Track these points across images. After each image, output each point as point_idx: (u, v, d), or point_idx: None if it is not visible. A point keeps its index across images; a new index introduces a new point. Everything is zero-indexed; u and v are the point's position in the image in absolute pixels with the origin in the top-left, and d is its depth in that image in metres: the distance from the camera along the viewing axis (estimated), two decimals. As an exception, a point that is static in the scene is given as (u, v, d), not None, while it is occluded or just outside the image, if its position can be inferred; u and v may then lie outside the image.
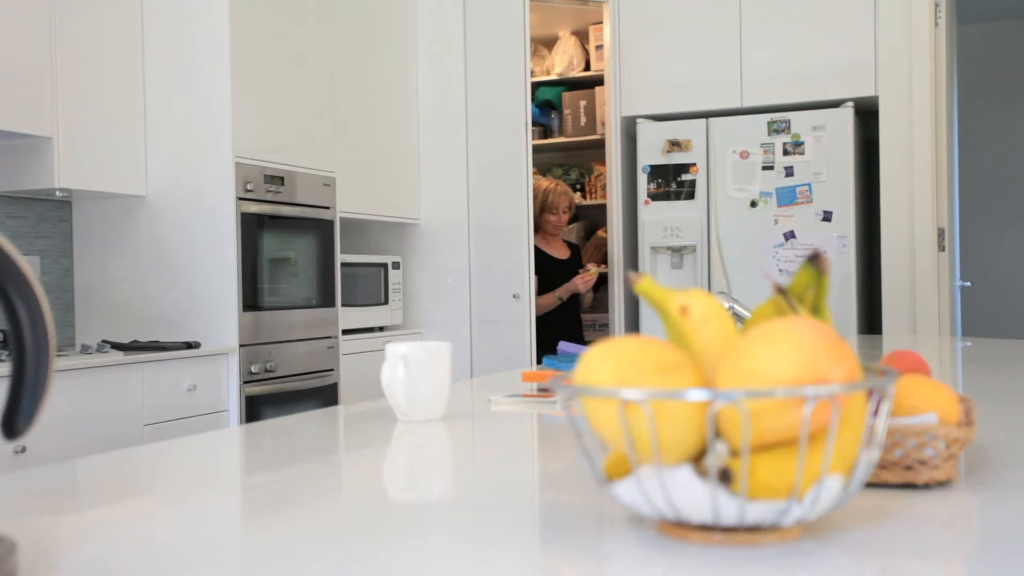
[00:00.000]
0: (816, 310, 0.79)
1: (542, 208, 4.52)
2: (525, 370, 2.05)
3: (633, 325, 4.99)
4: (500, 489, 1.05)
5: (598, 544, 0.77)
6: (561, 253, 4.62)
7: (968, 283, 5.55)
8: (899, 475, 0.87)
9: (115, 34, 3.54)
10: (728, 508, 0.68)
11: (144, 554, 0.77)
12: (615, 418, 0.69)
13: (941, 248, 4.55)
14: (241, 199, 3.58)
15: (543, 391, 1.71)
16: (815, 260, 0.77)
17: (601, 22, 5.29)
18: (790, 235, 4.58)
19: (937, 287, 4.52)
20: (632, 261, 4.98)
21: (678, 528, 0.73)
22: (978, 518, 0.85)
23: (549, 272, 4.50)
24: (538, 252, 4.55)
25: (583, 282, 4.37)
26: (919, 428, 0.86)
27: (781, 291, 0.77)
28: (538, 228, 4.59)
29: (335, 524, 0.87)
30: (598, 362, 0.71)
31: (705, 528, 0.72)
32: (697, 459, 0.72)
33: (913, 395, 0.89)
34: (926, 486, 0.88)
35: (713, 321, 0.76)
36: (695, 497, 0.68)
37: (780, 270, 4.58)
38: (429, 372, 1.40)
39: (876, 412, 0.72)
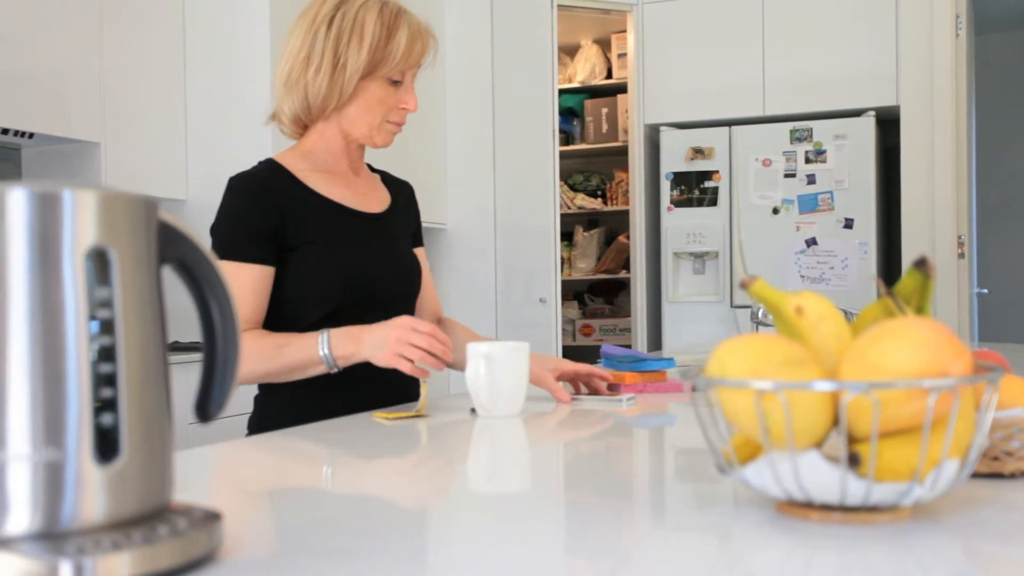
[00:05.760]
0: (920, 311, 0.86)
1: (374, 60, 1.77)
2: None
3: (655, 329, 5.05)
4: (607, 478, 1.12)
5: (721, 524, 0.84)
6: (372, 201, 1.94)
7: (985, 290, 5.62)
8: (987, 465, 0.95)
9: (159, 43, 3.63)
10: (855, 489, 0.75)
11: (318, 526, 0.84)
12: (751, 407, 0.76)
13: (960, 255, 4.61)
14: (279, 204, 3.65)
15: (609, 389, 1.78)
16: (922, 265, 0.84)
17: (623, 31, 5.37)
18: (812, 242, 4.65)
19: (956, 293, 4.59)
20: (655, 267, 5.05)
21: (799, 508, 0.80)
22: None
23: (341, 241, 1.81)
24: (307, 193, 1.84)
25: None
26: (1007, 421, 0.93)
27: (890, 293, 0.84)
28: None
29: (436, 511, 0.94)
30: (731, 357, 0.78)
31: (825, 508, 0.79)
32: (818, 445, 0.79)
33: (1001, 391, 0.95)
34: (1012, 476, 0.95)
35: (827, 320, 0.83)
36: (823, 479, 0.76)
37: (802, 276, 4.65)
38: (509, 370, 1.48)
39: (983, 403, 0.79)
